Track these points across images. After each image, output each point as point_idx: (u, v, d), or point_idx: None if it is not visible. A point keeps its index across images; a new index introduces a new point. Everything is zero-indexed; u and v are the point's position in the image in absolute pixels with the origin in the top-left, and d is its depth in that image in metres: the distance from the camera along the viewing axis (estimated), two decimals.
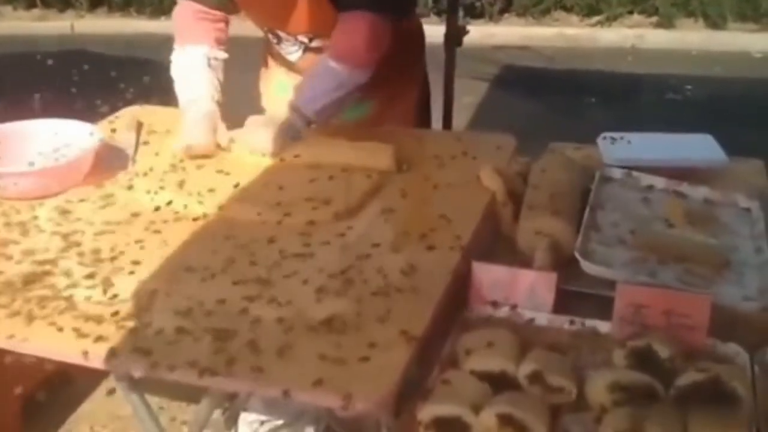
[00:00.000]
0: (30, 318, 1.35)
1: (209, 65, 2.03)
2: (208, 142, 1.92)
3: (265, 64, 2.27)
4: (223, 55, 2.07)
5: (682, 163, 1.80)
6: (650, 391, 1.18)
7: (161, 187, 1.74)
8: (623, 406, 1.15)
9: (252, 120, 1.96)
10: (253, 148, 1.90)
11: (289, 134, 1.90)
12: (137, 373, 1.27)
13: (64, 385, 2.45)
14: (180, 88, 2.03)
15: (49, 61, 4.60)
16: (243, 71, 2.13)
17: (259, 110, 2.21)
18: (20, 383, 2.22)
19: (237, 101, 2.08)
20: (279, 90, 2.16)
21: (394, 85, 2.08)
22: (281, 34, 2.06)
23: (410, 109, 2.20)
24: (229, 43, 2.08)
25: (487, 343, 1.28)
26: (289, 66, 2.14)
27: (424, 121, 2.29)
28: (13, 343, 1.31)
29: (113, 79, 4.53)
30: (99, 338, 1.30)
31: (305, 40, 2.04)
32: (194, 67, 2.02)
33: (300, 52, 2.08)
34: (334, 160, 1.84)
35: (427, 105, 2.30)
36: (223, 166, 1.84)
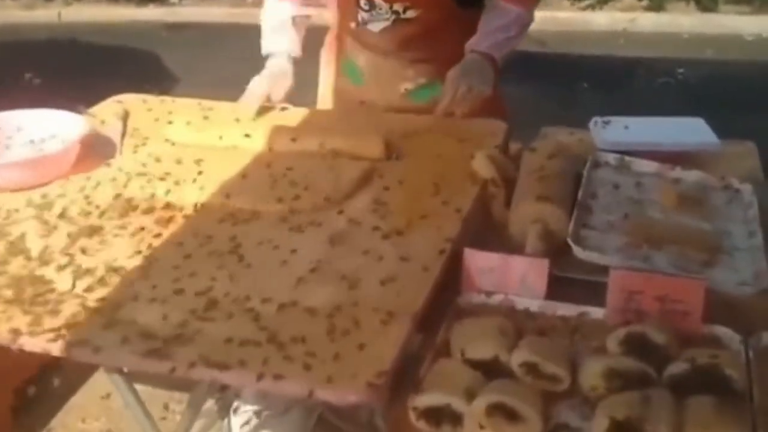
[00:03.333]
0: (9, 311, 1.34)
1: (293, 22, 2.14)
2: (258, 95, 2.02)
3: (330, 49, 2.26)
4: (310, 11, 2.16)
5: (675, 146, 1.80)
6: (645, 377, 1.17)
7: (148, 179, 1.72)
8: (617, 392, 1.14)
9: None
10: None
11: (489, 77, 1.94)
12: (120, 365, 1.26)
13: (55, 378, 2.44)
14: (263, 40, 2.15)
15: (34, 53, 4.57)
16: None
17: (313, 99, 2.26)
18: (11, 377, 2.21)
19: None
20: (345, 72, 2.18)
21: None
22: (377, 1, 2.03)
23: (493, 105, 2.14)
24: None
25: (479, 331, 1.27)
26: (364, 42, 2.12)
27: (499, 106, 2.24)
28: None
29: (101, 67, 4.51)
30: (82, 331, 1.28)
31: (399, 9, 2.01)
32: (278, 22, 2.14)
33: (389, 23, 2.04)
34: (323, 149, 1.82)
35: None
36: (213, 156, 1.82)
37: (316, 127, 1.95)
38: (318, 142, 1.84)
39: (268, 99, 2.06)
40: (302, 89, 2.17)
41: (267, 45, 2.14)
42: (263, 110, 2.04)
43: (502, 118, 2.03)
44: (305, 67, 2.19)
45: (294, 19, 2.14)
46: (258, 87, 2.06)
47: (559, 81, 4.73)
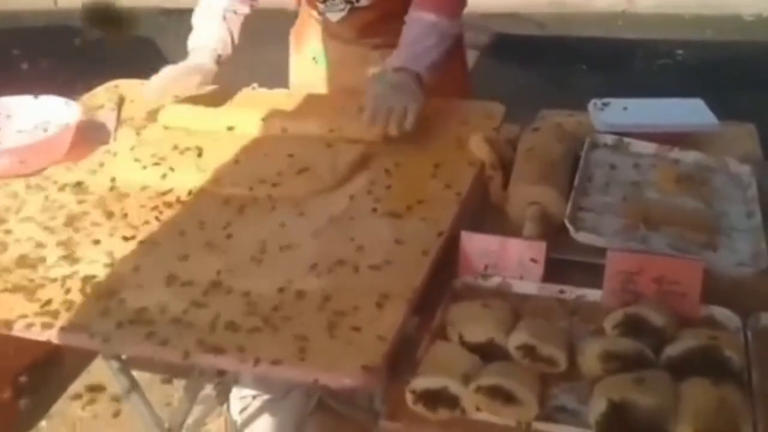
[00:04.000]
0: (4, 298, 1.33)
1: (224, 18, 2.02)
2: (156, 88, 1.92)
3: (298, 33, 2.23)
4: (244, 9, 2.06)
5: (674, 128, 1.78)
6: (642, 359, 1.16)
7: (143, 165, 1.71)
8: (615, 374, 1.14)
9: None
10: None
11: (414, 93, 1.78)
12: (117, 352, 1.25)
13: (55, 365, 2.45)
14: (191, 34, 2.03)
15: (29, 38, 4.54)
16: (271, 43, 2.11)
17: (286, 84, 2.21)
18: (10, 365, 2.21)
19: (264, 75, 2.06)
20: (312, 57, 2.15)
21: None
22: None
23: (457, 76, 2.16)
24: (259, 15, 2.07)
25: (476, 314, 1.27)
26: (328, 31, 2.10)
27: (467, 88, 2.23)
28: None
29: (96, 53, 4.49)
30: (77, 317, 1.28)
31: None
32: (207, 17, 2.03)
33: (344, 12, 2.03)
34: (321, 131, 1.81)
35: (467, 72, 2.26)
36: (211, 141, 1.81)
37: (314, 109, 1.93)
38: (317, 124, 1.82)
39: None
40: (274, 74, 2.15)
41: (191, 40, 2.03)
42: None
43: (467, 96, 2.06)
44: (275, 51, 2.16)
45: (225, 14, 2.03)
46: (159, 80, 1.93)
47: (557, 63, 4.71)
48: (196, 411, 2.10)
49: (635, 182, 1.59)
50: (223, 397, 2.13)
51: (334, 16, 2.04)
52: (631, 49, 4.85)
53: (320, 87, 2.16)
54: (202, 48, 2.00)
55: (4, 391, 2.26)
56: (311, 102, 2.02)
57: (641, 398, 1.07)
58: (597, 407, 1.08)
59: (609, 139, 1.70)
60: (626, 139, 1.70)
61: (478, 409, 1.13)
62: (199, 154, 1.75)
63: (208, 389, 2.14)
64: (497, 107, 1.94)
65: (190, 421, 2.05)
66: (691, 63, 4.62)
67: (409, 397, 1.16)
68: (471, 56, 4.79)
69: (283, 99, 2.03)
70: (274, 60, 2.10)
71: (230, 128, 1.86)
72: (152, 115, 1.96)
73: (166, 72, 1.95)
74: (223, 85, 2.08)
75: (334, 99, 2.09)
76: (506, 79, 4.39)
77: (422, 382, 1.15)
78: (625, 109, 1.86)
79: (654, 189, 1.57)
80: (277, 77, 2.17)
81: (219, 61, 2.00)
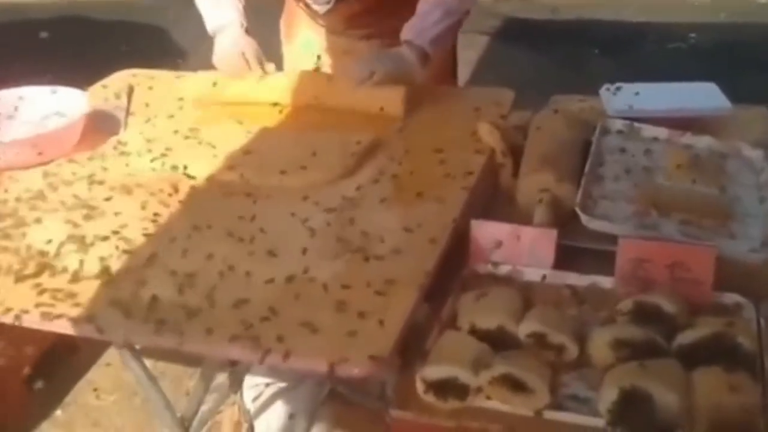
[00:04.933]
0: (17, 289, 1.34)
1: None
2: (238, 73, 1.93)
3: (288, 23, 2.21)
4: None
5: (687, 112, 1.77)
6: (654, 347, 1.15)
7: (154, 154, 1.71)
8: (626, 362, 1.13)
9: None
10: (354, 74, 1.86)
11: (399, 64, 1.85)
12: (129, 342, 1.26)
13: (69, 354, 2.46)
14: (206, 16, 2.01)
15: (43, 30, 4.54)
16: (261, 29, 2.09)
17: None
18: (24, 355, 2.23)
19: None
20: (304, 47, 2.13)
21: None
22: None
23: (444, 62, 2.14)
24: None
25: (486, 302, 1.26)
26: (316, 20, 2.09)
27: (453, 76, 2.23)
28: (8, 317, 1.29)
29: (107, 43, 4.49)
30: (89, 308, 1.28)
31: None
32: None
33: (330, 5, 2.02)
34: (344, 103, 1.84)
35: (455, 60, 2.24)
36: (220, 130, 1.81)
37: (336, 83, 1.93)
38: (335, 101, 1.84)
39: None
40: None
41: (213, 19, 1.99)
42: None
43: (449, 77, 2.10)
44: (266, 36, 2.14)
45: None
46: (233, 67, 1.95)
47: (569, 48, 4.67)
48: (210, 399, 2.10)
49: (647, 168, 1.58)
50: (236, 385, 2.13)
51: (321, 8, 2.04)
52: (643, 33, 4.81)
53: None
54: (231, 24, 1.98)
55: (19, 380, 2.28)
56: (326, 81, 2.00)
57: (653, 386, 1.06)
58: (608, 395, 1.07)
59: (620, 124, 1.69)
60: (637, 125, 1.69)
61: (488, 398, 1.13)
62: (210, 144, 1.74)
63: (221, 378, 2.15)
64: (506, 93, 1.93)
65: (203, 409, 2.05)
66: (703, 46, 4.58)
67: (419, 386, 1.15)
68: (482, 42, 4.80)
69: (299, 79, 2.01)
70: (265, 44, 2.08)
71: (244, 114, 1.88)
72: (164, 105, 1.96)
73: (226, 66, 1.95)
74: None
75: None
76: (518, 63, 4.36)
77: (432, 372, 1.15)
78: (637, 93, 1.84)
79: (666, 175, 1.56)
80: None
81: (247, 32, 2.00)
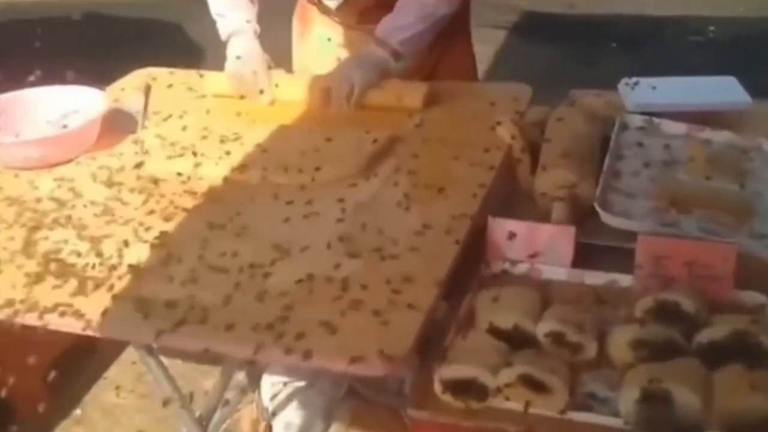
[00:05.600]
0: (35, 290, 1.34)
1: None
2: (251, 86, 1.95)
3: (301, 20, 2.20)
4: None
5: (706, 106, 1.75)
6: (674, 345, 1.14)
7: (171, 154, 1.71)
8: (646, 362, 1.12)
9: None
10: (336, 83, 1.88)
11: (373, 66, 1.88)
12: (148, 342, 1.26)
13: (89, 353, 2.48)
14: (219, 19, 2.02)
15: (58, 26, 4.56)
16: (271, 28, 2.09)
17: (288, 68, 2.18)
18: (42, 354, 2.24)
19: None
20: (319, 43, 2.12)
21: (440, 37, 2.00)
22: None
23: (461, 62, 2.14)
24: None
25: (504, 301, 1.26)
26: (329, 16, 2.08)
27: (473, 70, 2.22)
28: (20, 316, 1.30)
29: (123, 41, 4.50)
30: (107, 308, 1.28)
31: None
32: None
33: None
34: (363, 100, 1.85)
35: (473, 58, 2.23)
36: (237, 129, 1.81)
37: None
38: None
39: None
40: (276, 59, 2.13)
41: (227, 24, 2.00)
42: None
43: (472, 78, 2.10)
44: (275, 36, 2.14)
45: None
46: (246, 79, 1.95)
47: (587, 42, 4.65)
48: (228, 397, 2.11)
49: (666, 164, 1.56)
50: (254, 384, 2.14)
51: (333, 3, 2.04)
52: (661, 26, 4.78)
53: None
54: (242, 32, 1.99)
55: (38, 379, 2.29)
56: None
57: (673, 386, 1.05)
58: (629, 395, 1.06)
59: (639, 119, 1.68)
60: (656, 120, 1.67)
61: (507, 398, 1.12)
62: (228, 144, 1.74)
63: (240, 376, 2.16)
64: (524, 89, 1.92)
65: (222, 408, 2.06)
66: (723, 40, 4.54)
67: (437, 387, 1.15)
68: (498, 36, 4.79)
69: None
70: (274, 44, 2.08)
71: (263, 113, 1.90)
72: (182, 104, 1.96)
73: (243, 67, 1.96)
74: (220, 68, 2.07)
75: None
76: (534, 58, 4.35)
77: (450, 372, 1.14)
78: (655, 88, 1.83)
79: (685, 170, 1.54)
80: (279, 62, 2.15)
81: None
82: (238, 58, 1.97)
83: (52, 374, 2.20)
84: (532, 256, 1.37)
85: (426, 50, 1.96)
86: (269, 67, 1.99)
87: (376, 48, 1.89)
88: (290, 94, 1.95)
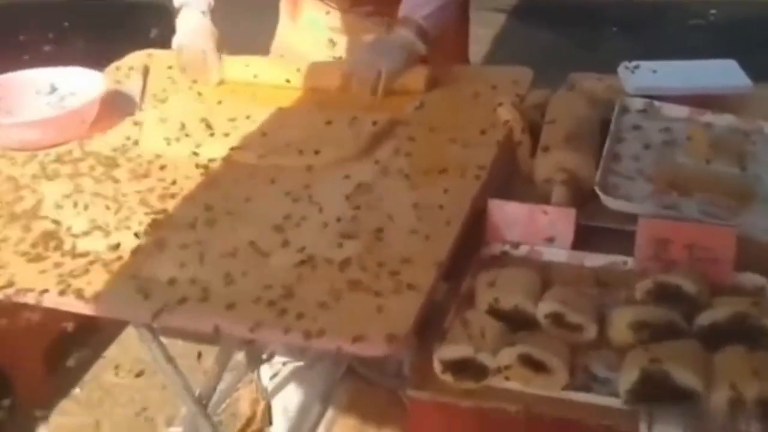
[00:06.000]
0: (33, 269, 1.34)
1: None
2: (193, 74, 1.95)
3: (291, 3, 2.16)
4: None
5: (707, 90, 1.75)
6: (675, 327, 1.15)
7: (169, 135, 1.70)
8: (646, 343, 1.12)
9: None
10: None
11: (400, 50, 1.84)
12: (148, 322, 1.26)
13: (89, 333, 2.48)
14: None
15: (54, 8, 4.53)
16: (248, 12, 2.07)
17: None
18: (43, 334, 2.24)
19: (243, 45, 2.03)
20: (310, 27, 2.09)
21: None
22: None
23: (454, 43, 2.11)
24: None
25: (504, 282, 1.26)
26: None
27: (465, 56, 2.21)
28: (20, 295, 1.30)
29: (120, 23, 4.48)
30: (106, 288, 1.28)
31: None
32: None
33: None
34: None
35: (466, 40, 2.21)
36: (237, 111, 1.80)
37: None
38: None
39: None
40: (257, 41, 2.12)
41: None
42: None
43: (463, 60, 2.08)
44: (254, 21, 2.11)
45: None
46: (195, 57, 1.94)
47: (587, 26, 4.63)
48: (227, 378, 2.12)
49: (667, 147, 1.56)
50: (253, 364, 2.14)
51: None
52: (662, 10, 4.76)
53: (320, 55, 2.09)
54: (194, 3, 1.98)
55: (38, 358, 2.30)
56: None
57: (673, 367, 1.06)
58: (629, 376, 1.07)
59: (640, 103, 1.67)
60: (657, 103, 1.67)
61: (507, 378, 1.12)
62: (227, 126, 1.74)
63: (239, 356, 2.16)
64: (525, 72, 1.91)
65: (221, 387, 2.07)
66: (723, 23, 4.53)
67: (437, 367, 1.15)
68: (498, 19, 4.76)
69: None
70: (254, 30, 2.06)
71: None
72: (179, 85, 1.96)
73: (190, 40, 1.95)
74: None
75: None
76: (534, 42, 4.33)
77: (450, 352, 1.15)
78: (655, 71, 1.82)
79: (686, 154, 1.54)
80: (257, 48, 2.13)
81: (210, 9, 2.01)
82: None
83: (52, 355, 2.21)
84: (533, 237, 1.37)
85: (452, 27, 1.93)
86: (218, 47, 1.96)
87: (401, 29, 1.85)
88: (274, 77, 1.93)
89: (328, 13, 2.05)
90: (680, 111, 1.65)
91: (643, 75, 1.81)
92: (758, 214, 1.38)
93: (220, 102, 1.85)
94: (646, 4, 4.88)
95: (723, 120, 1.63)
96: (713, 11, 4.66)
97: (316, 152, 1.60)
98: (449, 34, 2.04)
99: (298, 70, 1.93)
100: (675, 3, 4.83)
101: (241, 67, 1.97)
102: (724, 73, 1.81)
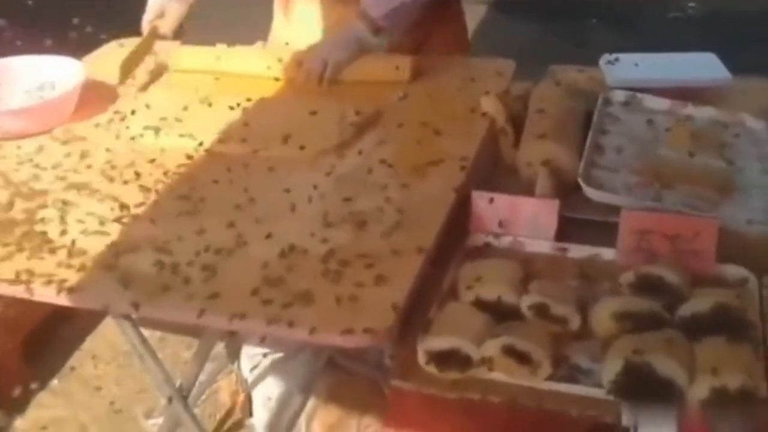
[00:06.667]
0: (12, 260, 1.33)
1: None
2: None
3: None
4: None
5: (686, 83, 1.76)
6: (657, 318, 1.15)
7: (149, 125, 1.69)
8: (629, 334, 1.13)
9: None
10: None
11: (351, 43, 1.86)
12: (127, 311, 1.25)
13: (67, 322, 2.46)
14: None
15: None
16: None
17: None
18: (19, 325, 2.22)
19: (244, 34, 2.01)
20: (303, 19, 2.07)
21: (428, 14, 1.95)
22: None
23: (449, 41, 2.09)
24: None
25: (488, 273, 1.26)
26: None
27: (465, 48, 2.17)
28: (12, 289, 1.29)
29: (96, 11, 4.42)
30: (86, 279, 1.27)
31: None
32: None
33: None
34: (347, 74, 1.85)
35: (465, 36, 2.19)
36: (219, 101, 1.79)
37: None
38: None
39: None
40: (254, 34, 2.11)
41: None
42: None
43: (464, 52, 2.06)
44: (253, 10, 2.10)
45: None
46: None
47: (567, 18, 4.64)
48: (207, 368, 2.11)
49: (649, 139, 1.57)
50: (233, 355, 2.13)
51: None
52: (641, 3, 4.78)
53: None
54: None
55: (14, 352, 2.27)
56: None
57: (655, 358, 1.06)
58: (612, 367, 1.07)
59: (622, 95, 1.68)
60: (639, 95, 1.67)
61: (490, 369, 1.12)
62: (209, 116, 1.73)
63: (219, 347, 2.15)
64: (508, 64, 1.91)
65: (201, 379, 2.06)
66: (702, 16, 4.56)
67: (421, 358, 1.15)
68: (479, 11, 4.76)
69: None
70: (253, 18, 2.05)
71: (245, 84, 1.88)
72: (159, 73, 1.94)
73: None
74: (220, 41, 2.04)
75: None
76: (515, 34, 4.33)
77: (434, 343, 1.15)
78: (636, 64, 1.83)
79: (668, 146, 1.55)
80: (257, 37, 2.12)
81: None
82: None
83: (29, 347, 2.19)
84: (516, 229, 1.37)
85: (411, 26, 1.93)
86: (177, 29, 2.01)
87: (355, 22, 1.87)
88: (277, 69, 1.92)
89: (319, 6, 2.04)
90: (662, 103, 1.66)
91: (625, 68, 1.81)
92: (740, 206, 1.39)
93: (203, 93, 1.84)
94: None
95: (704, 112, 1.64)
96: (692, 4, 4.68)
97: (300, 142, 1.60)
98: (447, 30, 2.04)
99: (279, 59, 1.92)
100: None
101: (206, 55, 1.98)
102: (704, 66, 1.83)
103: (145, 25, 2.03)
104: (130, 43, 2.13)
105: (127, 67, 1.93)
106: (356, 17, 1.87)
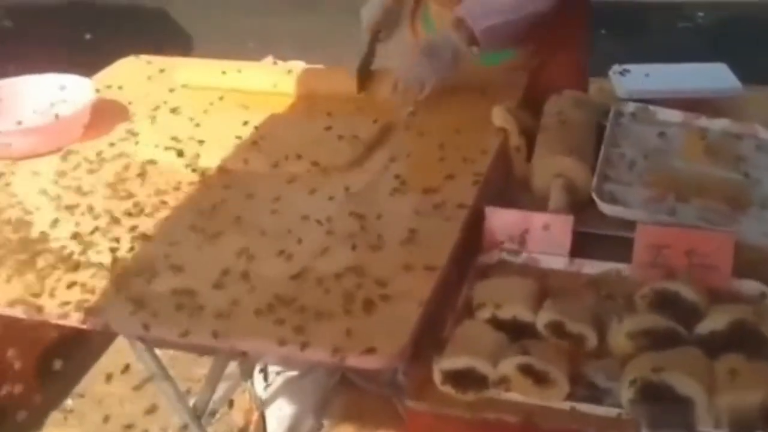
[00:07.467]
0: (25, 281, 1.32)
1: None
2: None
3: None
4: None
5: (697, 93, 1.75)
6: (674, 335, 1.14)
7: (160, 144, 1.69)
8: (646, 351, 1.11)
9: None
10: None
11: (446, 59, 1.72)
12: (138, 333, 1.25)
13: (80, 342, 2.45)
14: None
15: (39, 12, 4.49)
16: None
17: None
18: (34, 345, 2.22)
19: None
20: (423, 18, 1.97)
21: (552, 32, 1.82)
22: None
23: (572, 62, 1.92)
24: None
25: (503, 291, 1.25)
26: None
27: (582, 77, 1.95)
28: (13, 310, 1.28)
29: (106, 28, 4.45)
30: (99, 301, 1.27)
31: None
32: None
33: None
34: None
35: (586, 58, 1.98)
36: (230, 118, 1.79)
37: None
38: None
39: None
40: (288, 46, 2.10)
41: None
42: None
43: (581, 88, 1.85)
44: (289, 20, 2.09)
45: None
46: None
47: None
48: (221, 387, 2.10)
49: (662, 152, 1.56)
50: (247, 373, 2.13)
51: None
52: (650, 13, 4.77)
53: None
54: None
55: (29, 369, 2.27)
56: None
57: (674, 376, 1.05)
58: (630, 386, 1.06)
59: (634, 107, 1.67)
60: (652, 108, 1.67)
61: (507, 389, 1.11)
62: (218, 133, 1.72)
63: (233, 366, 2.14)
64: (519, 76, 1.90)
65: (215, 397, 2.05)
66: (711, 25, 4.54)
67: (437, 377, 1.14)
68: None
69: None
70: (288, 29, 2.04)
71: (253, 102, 1.87)
72: (170, 93, 1.95)
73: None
74: (230, 55, 2.04)
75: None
76: None
77: (450, 363, 1.13)
78: (646, 75, 1.83)
79: (682, 159, 1.54)
80: (293, 50, 2.12)
81: None
82: None
83: (43, 366, 2.18)
84: (530, 245, 1.36)
85: (515, 45, 1.79)
86: None
87: (449, 31, 1.72)
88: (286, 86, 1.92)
89: None
90: (675, 115, 1.65)
91: (634, 78, 1.81)
92: (756, 220, 1.38)
93: (212, 110, 1.84)
94: (634, 6, 4.89)
95: (718, 124, 1.63)
96: (701, 14, 4.67)
97: (311, 160, 1.59)
98: (561, 61, 1.89)
99: (289, 73, 1.92)
100: (663, 5, 4.84)
101: (210, 71, 1.97)
102: (714, 77, 1.83)
103: (366, 27, 1.90)
104: (138, 62, 2.13)
105: (365, 74, 1.89)
106: (451, 26, 1.73)
